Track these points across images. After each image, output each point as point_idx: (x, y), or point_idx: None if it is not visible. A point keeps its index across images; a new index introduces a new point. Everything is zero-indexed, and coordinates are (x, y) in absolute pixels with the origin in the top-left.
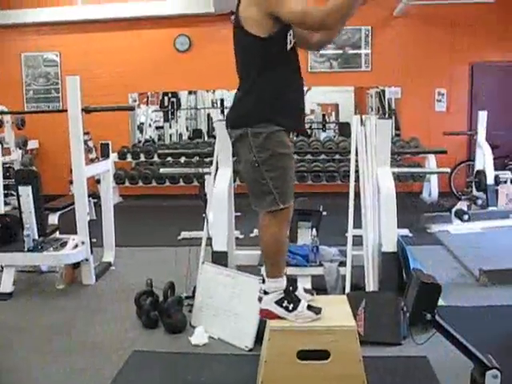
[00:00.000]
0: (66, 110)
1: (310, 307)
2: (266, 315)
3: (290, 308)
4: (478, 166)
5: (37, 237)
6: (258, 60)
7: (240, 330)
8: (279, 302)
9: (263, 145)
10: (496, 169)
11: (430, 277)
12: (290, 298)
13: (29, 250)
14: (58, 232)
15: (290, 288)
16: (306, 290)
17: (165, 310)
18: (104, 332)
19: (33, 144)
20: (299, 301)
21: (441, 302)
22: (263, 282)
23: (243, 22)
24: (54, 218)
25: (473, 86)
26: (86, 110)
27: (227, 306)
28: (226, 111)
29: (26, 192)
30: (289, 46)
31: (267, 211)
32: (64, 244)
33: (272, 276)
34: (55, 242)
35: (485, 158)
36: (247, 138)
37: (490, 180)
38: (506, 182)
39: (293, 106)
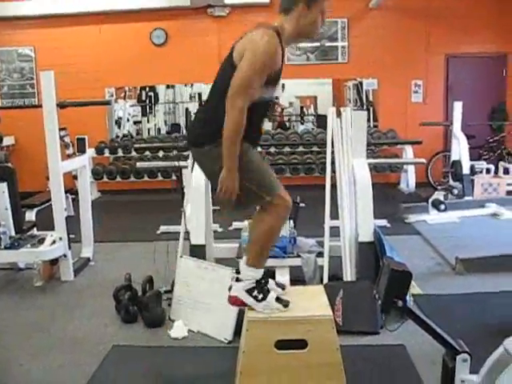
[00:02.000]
0: (41, 106)
1: (278, 299)
2: (234, 302)
3: (259, 298)
4: (454, 157)
5: (13, 234)
6: (226, 87)
7: (219, 322)
8: (249, 291)
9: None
10: (472, 159)
11: (401, 264)
12: (260, 289)
13: (5, 248)
14: (35, 229)
15: (262, 280)
16: (277, 284)
17: (144, 305)
18: (83, 328)
19: (8, 140)
20: (269, 292)
21: (418, 291)
22: (237, 272)
23: (234, 54)
24: (31, 215)
25: (448, 78)
26: (62, 105)
27: (206, 299)
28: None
29: (1, 189)
30: (265, 96)
31: (259, 208)
32: (41, 240)
33: (252, 264)
34: (32, 238)
35: (460, 148)
36: (213, 151)
37: (466, 170)
38: (481, 171)
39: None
